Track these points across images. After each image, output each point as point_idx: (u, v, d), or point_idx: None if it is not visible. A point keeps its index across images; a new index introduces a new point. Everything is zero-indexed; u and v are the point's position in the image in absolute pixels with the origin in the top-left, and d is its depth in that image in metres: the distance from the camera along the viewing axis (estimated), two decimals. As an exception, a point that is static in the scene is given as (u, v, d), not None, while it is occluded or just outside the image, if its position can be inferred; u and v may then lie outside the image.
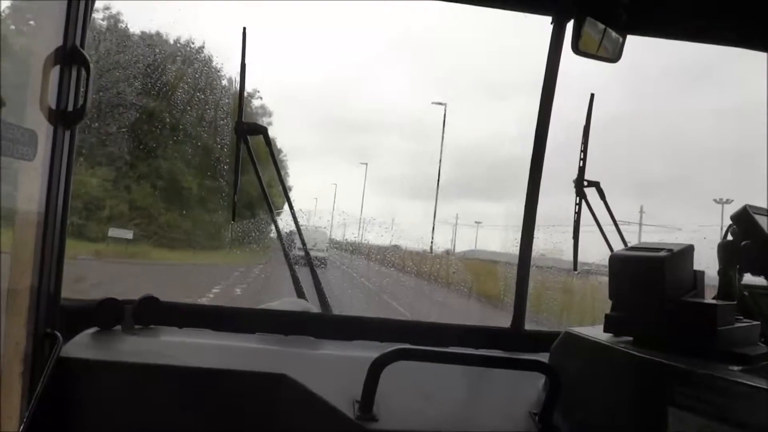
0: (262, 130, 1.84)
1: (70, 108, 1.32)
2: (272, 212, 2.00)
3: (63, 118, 1.30)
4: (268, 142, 1.85)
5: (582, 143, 2.05)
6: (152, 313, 1.63)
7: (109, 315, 1.57)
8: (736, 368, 1.14)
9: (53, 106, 1.27)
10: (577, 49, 1.73)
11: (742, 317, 1.33)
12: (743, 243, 1.36)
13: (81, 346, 1.46)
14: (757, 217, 1.36)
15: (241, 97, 1.85)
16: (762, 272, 1.40)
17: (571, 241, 2.17)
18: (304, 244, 2.01)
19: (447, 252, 22.72)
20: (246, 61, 1.83)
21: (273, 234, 2.07)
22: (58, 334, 1.34)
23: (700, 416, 1.08)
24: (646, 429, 1.19)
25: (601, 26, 1.73)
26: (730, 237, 1.42)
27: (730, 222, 1.42)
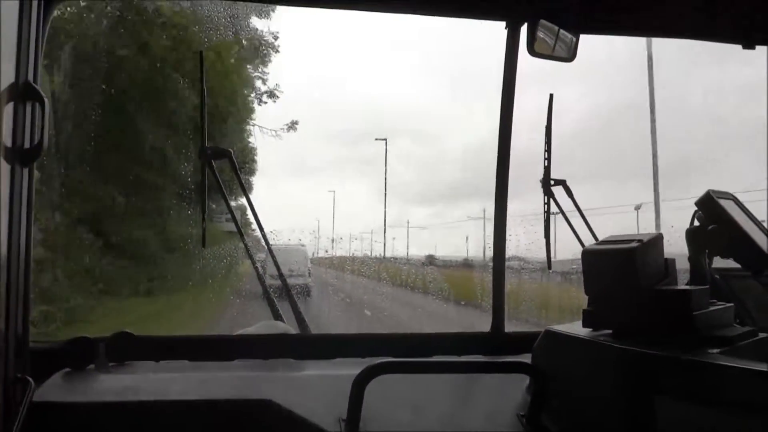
0: (227, 154, 1.83)
1: (27, 145, 1.29)
2: (243, 238, 1.98)
3: (20, 155, 1.27)
4: (234, 166, 1.83)
5: (545, 143, 2.07)
6: (126, 349, 1.59)
7: (81, 354, 1.53)
8: (716, 350, 1.16)
9: (8, 144, 1.23)
10: (533, 51, 1.77)
11: (716, 300, 1.35)
12: (710, 227, 1.38)
13: (54, 389, 1.41)
14: (721, 201, 1.40)
15: (203, 121, 1.83)
16: (730, 254, 1.43)
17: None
18: (278, 269, 1.96)
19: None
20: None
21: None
22: (30, 379, 1.30)
23: (686, 401, 1.09)
24: (634, 419, 1.20)
25: (555, 28, 1.77)
26: (696, 223, 1.44)
27: (695, 209, 1.45)
